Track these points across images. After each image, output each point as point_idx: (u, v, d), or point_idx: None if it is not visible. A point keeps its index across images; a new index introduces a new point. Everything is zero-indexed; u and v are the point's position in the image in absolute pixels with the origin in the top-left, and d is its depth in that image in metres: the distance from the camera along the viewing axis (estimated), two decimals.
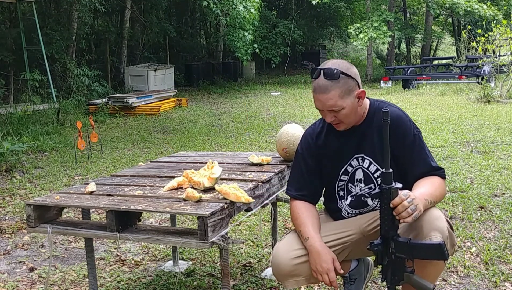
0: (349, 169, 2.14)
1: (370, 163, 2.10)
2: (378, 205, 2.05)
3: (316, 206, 2.24)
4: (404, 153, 2.03)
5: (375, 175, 2.10)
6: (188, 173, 2.38)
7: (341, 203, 2.18)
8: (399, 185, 1.81)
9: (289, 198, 2.24)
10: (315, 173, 2.18)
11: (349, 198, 2.16)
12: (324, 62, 2.05)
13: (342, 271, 2.03)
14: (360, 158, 2.11)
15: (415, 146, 2.04)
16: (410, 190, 1.94)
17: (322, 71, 1.97)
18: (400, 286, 1.95)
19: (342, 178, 2.16)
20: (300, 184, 2.20)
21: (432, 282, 1.89)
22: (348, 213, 2.18)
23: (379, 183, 2.05)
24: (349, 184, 2.15)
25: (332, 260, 1.99)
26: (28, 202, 2.25)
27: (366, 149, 2.10)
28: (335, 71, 1.95)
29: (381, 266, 1.88)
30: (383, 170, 1.82)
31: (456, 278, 2.83)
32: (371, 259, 2.42)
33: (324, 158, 2.17)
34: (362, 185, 2.12)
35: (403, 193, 1.79)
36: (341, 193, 2.18)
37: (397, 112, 2.08)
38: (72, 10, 12.36)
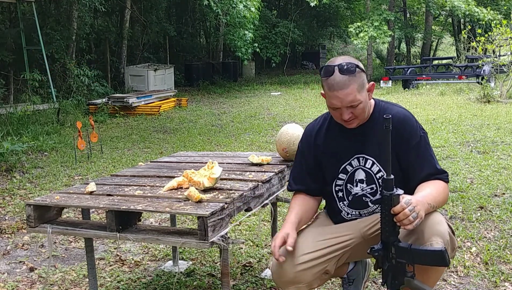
0: (349, 168, 2.12)
1: (373, 163, 2.07)
2: (378, 208, 2.04)
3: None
4: (409, 154, 2.01)
5: (378, 176, 2.07)
6: (188, 173, 2.38)
7: (342, 204, 2.16)
8: (401, 192, 1.79)
9: (290, 198, 2.24)
10: (315, 171, 2.18)
11: (349, 199, 2.14)
12: (331, 60, 2.01)
13: (290, 248, 1.97)
14: (361, 158, 2.09)
15: (420, 147, 2.02)
16: (413, 191, 1.92)
17: (336, 68, 1.93)
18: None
19: (340, 176, 2.14)
20: (300, 180, 2.22)
21: (431, 286, 1.89)
22: (348, 213, 2.16)
23: (380, 186, 2.03)
24: (348, 185, 2.13)
25: (283, 236, 1.97)
26: (28, 202, 2.25)
27: (368, 149, 2.07)
28: (352, 66, 1.93)
29: (381, 269, 1.88)
30: (385, 175, 1.81)
31: (456, 278, 2.83)
32: (369, 259, 2.42)
33: (323, 156, 2.16)
34: (364, 185, 2.10)
35: (404, 201, 1.76)
36: (340, 194, 2.16)
37: (403, 112, 2.07)
38: (72, 10, 12.36)
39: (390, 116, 1.77)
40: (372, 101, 2.11)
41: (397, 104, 2.17)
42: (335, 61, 1.98)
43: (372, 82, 2.04)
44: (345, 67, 1.92)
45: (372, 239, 2.04)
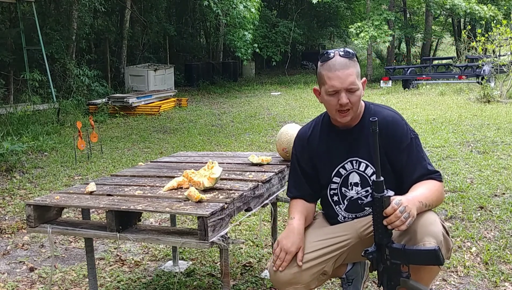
0: (342, 171, 2.11)
1: (367, 166, 2.07)
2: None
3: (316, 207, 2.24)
4: (401, 157, 2.01)
5: (372, 178, 2.06)
6: (188, 173, 2.38)
7: (338, 208, 2.16)
8: (391, 193, 1.79)
9: (289, 198, 2.25)
10: (310, 175, 2.18)
11: (345, 202, 2.13)
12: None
13: (300, 263, 1.99)
14: (354, 161, 2.08)
15: (411, 150, 2.02)
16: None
17: (336, 52, 1.99)
18: None
19: (334, 180, 2.13)
20: (297, 186, 2.21)
21: (427, 286, 1.89)
22: (345, 217, 2.15)
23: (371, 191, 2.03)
24: (343, 188, 2.12)
25: (298, 248, 1.99)
26: (28, 202, 2.25)
27: (360, 152, 2.07)
28: (351, 52, 1.99)
29: (376, 271, 1.88)
30: (374, 178, 1.81)
31: (456, 278, 2.83)
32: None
33: (317, 159, 2.16)
34: (359, 188, 2.10)
35: (395, 202, 1.77)
36: (335, 198, 2.15)
37: (392, 115, 2.07)
38: (72, 10, 12.36)
39: (376, 119, 1.78)
40: (363, 103, 2.11)
41: (387, 106, 2.17)
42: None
43: (364, 78, 2.05)
44: (345, 52, 1.99)
45: (369, 239, 2.03)
